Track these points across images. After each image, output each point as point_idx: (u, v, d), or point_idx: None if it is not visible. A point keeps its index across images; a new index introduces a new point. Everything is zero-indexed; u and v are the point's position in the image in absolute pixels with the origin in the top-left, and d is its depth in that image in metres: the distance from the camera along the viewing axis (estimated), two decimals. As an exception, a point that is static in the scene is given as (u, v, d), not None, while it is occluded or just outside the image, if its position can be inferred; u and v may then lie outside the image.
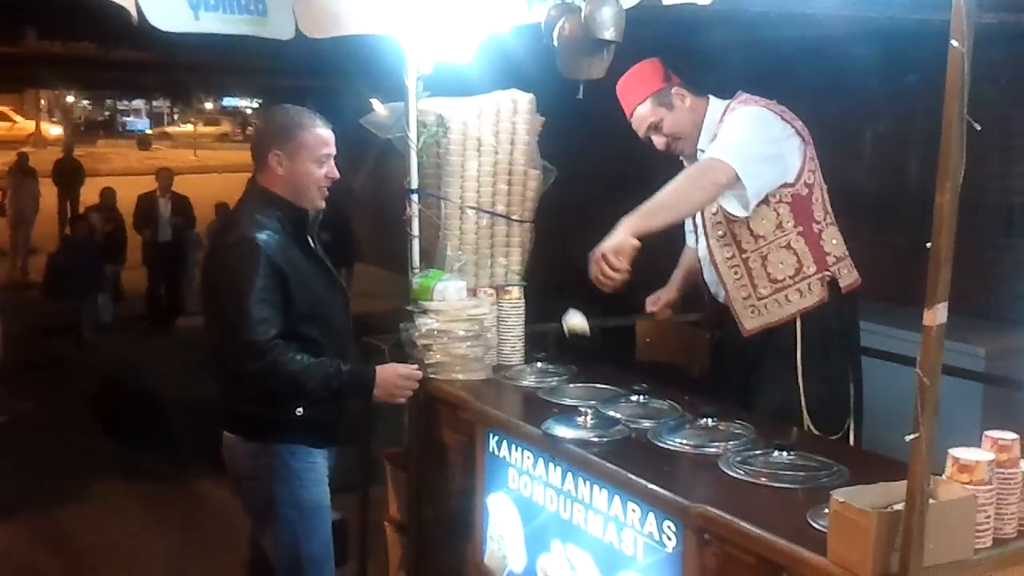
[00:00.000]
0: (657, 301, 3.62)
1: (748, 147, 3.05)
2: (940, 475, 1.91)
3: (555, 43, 3.10)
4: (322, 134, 2.99)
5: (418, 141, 3.48)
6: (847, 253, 3.23)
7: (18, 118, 34.68)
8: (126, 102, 42.35)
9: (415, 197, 3.52)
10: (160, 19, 2.89)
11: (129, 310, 10.86)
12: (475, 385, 3.24)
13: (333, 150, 3.02)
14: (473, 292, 3.47)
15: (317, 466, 3.05)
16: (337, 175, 3.04)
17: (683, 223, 3.51)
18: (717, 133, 3.17)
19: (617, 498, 2.46)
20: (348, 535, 3.33)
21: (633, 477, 2.39)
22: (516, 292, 3.54)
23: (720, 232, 3.19)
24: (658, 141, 3.30)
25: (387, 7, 3.31)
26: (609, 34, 2.95)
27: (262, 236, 2.86)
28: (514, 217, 3.58)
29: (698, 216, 3.30)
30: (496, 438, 2.96)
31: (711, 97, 3.29)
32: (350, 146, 4.18)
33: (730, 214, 3.12)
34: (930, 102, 1.82)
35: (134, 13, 2.76)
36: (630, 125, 3.35)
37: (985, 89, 1.74)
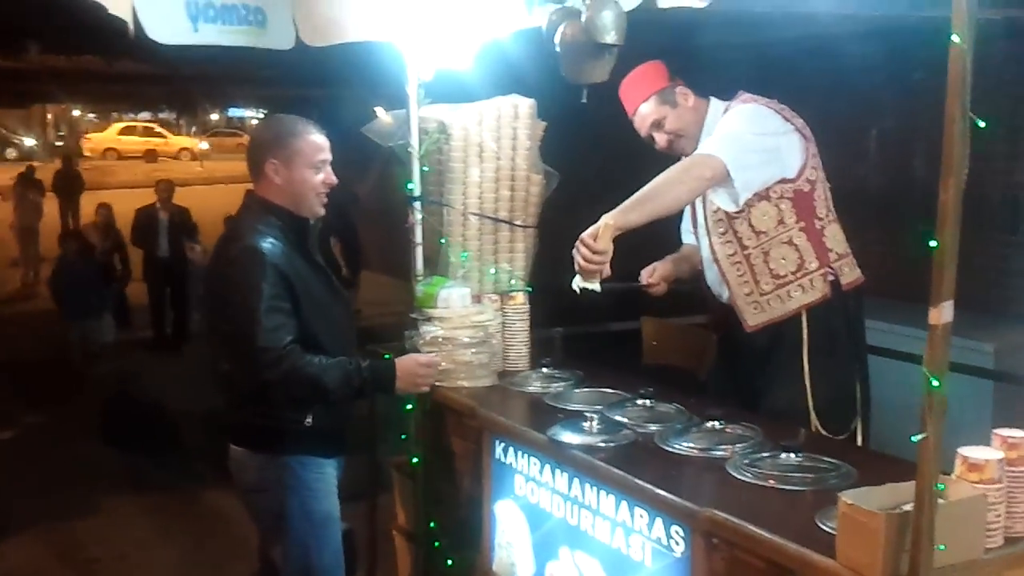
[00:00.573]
0: (652, 272, 3.50)
1: (740, 141, 3.04)
2: (950, 474, 1.89)
3: (557, 48, 3.09)
4: (316, 140, 2.99)
5: (420, 148, 3.47)
6: (849, 251, 3.22)
7: (167, 134, 37.22)
8: (132, 115, 42.49)
9: (417, 204, 3.52)
10: (158, 31, 2.89)
11: (134, 329, 10.39)
12: (481, 392, 3.23)
13: (329, 156, 3.02)
14: (477, 298, 3.46)
15: (327, 476, 3.04)
16: (335, 181, 3.03)
17: (678, 225, 3.50)
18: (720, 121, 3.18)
19: (624, 503, 2.45)
20: (355, 546, 3.32)
21: (640, 482, 2.38)
22: (520, 298, 3.53)
23: (722, 229, 3.19)
24: (660, 139, 3.29)
25: (387, 14, 3.31)
26: (611, 38, 2.94)
27: (266, 244, 2.86)
28: (517, 223, 3.58)
29: (700, 215, 3.28)
30: (503, 445, 2.95)
31: (712, 98, 3.29)
32: (354, 154, 4.18)
33: (722, 209, 3.11)
34: (934, 100, 1.81)
35: (131, 25, 2.76)
36: (632, 128, 3.34)
37: (990, 85, 1.73)
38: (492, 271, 3.56)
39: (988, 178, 5.53)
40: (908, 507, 1.77)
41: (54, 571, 4.93)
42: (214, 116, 39.47)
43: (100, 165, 31.28)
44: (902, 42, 4.99)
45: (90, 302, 9.29)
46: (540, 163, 3.59)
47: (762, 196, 3.08)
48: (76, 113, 37.37)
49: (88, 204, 12.21)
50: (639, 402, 2.90)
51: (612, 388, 3.14)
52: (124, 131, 36.71)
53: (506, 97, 3.54)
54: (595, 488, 2.55)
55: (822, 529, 1.99)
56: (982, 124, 1.66)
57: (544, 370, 3.39)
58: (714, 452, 2.52)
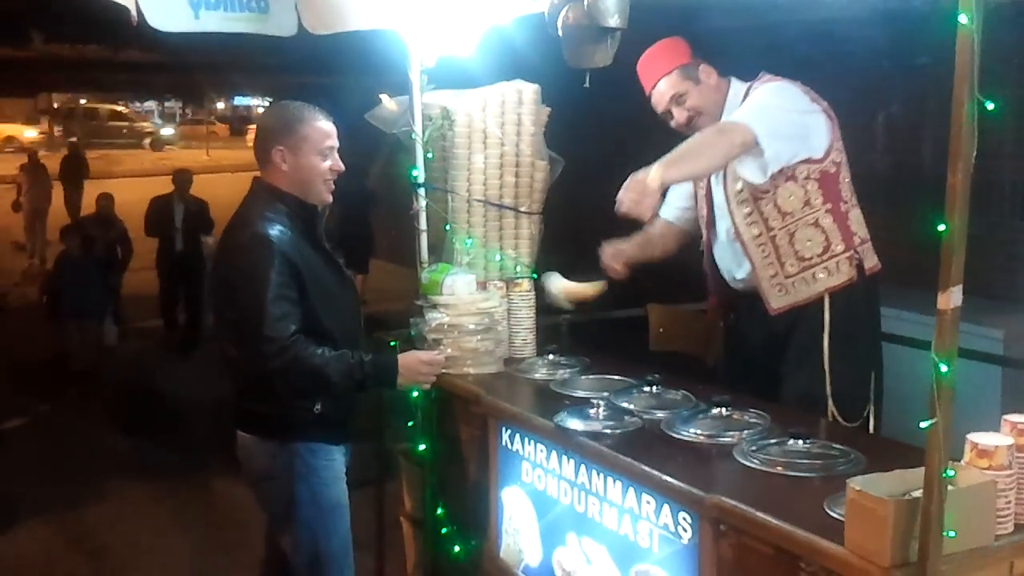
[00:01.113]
0: (617, 255, 3.42)
1: (770, 113, 3.01)
2: (959, 460, 1.88)
3: (559, 33, 3.07)
4: (323, 127, 2.98)
5: (424, 135, 3.46)
6: (869, 236, 3.21)
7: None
8: (137, 104, 42.49)
9: (422, 191, 3.50)
10: (159, 19, 2.88)
11: (138, 330, 9.75)
12: (487, 379, 3.22)
13: (336, 143, 3.01)
14: (483, 285, 3.45)
15: (335, 463, 3.04)
16: (342, 167, 3.02)
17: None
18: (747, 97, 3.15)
19: (632, 490, 2.44)
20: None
21: (647, 469, 2.37)
22: (526, 284, 3.52)
23: (747, 209, 3.14)
24: (679, 115, 3.23)
25: (389, 2, 3.29)
26: (614, 21, 2.92)
27: (274, 232, 2.85)
28: (522, 209, 3.56)
29: (718, 195, 3.23)
30: (509, 432, 2.95)
31: (733, 79, 3.25)
32: (360, 141, 4.16)
33: (748, 181, 3.06)
34: (942, 84, 1.79)
35: (134, 13, 2.75)
36: (637, 114, 3.32)
37: (999, 70, 1.70)
38: (497, 258, 3.54)
39: (996, 163, 5.49)
40: (917, 494, 1.76)
41: (64, 558, 4.95)
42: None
43: (106, 154, 31.32)
44: (910, 26, 4.94)
45: (92, 300, 8.63)
46: (544, 149, 3.57)
47: (788, 176, 3.06)
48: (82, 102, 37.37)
49: (92, 194, 12.12)
50: (646, 388, 2.89)
51: (619, 375, 3.13)
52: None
53: (510, 83, 3.52)
54: (602, 475, 2.55)
55: (830, 516, 1.99)
56: (991, 106, 1.64)
57: (550, 357, 3.38)
58: (721, 438, 2.51)
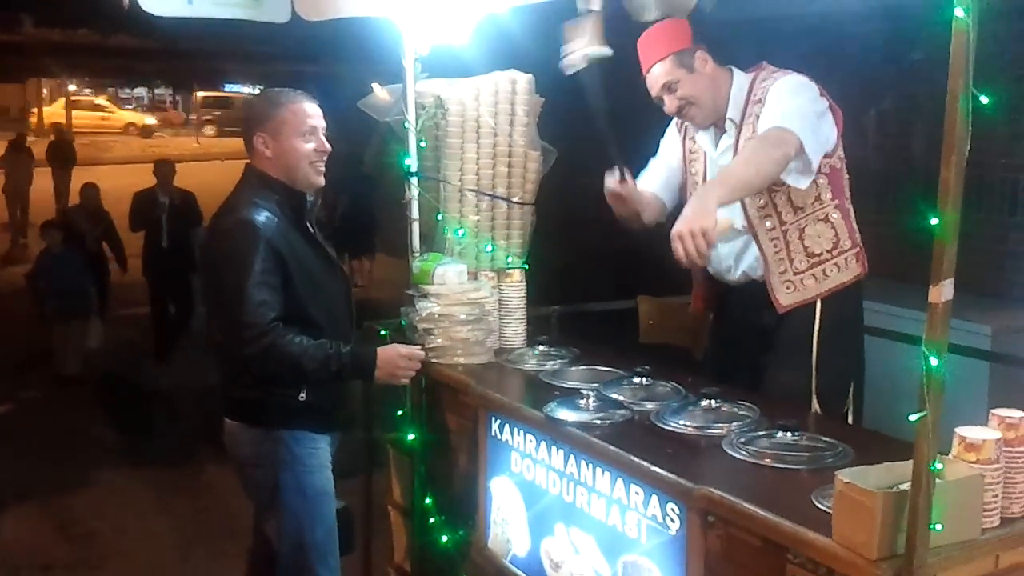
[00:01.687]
0: (624, 183, 3.25)
1: (805, 115, 2.93)
2: (946, 454, 1.89)
3: None
4: (303, 107, 2.95)
5: (417, 123, 3.45)
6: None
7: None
8: (127, 90, 42.25)
9: (414, 180, 3.49)
10: (151, 4, 2.87)
11: (128, 318, 9.20)
12: (477, 369, 3.22)
13: (320, 123, 2.98)
14: (474, 275, 3.45)
15: (320, 452, 3.04)
16: (328, 148, 2.99)
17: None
18: (756, 102, 3.04)
19: (620, 481, 2.44)
20: (353, 524, 3.32)
21: (636, 459, 2.37)
22: (517, 275, 3.51)
23: (761, 201, 3.06)
24: (670, 103, 3.14)
25: (383, -12, 3.28)
26: (596, 4, 2.88)
27: (261, 218, 2.84)
28: (514, 199, 3.56)
29: None
30: (498, 422, 2.94)
31: (735, 70, 3.15)
32: (353, 128, 4.14)
33: (790, 186, 2.99)
34: (935, 79, 1.79)
35: (125, -1, 2.74)
36: (631, 105, 3.30)
37: (991, 65, 1.70)
38: (489, 248, 3.54)
39: (988, 159, 5.51)
40: (905, 486, 1.76)
41: (52, 544, 4.94)
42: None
43: (95, 140, 31.15)
44: (905, 21, 4.96)
45: (77, 300, 8.01)
46: (538, 139, 3.57)
47: None
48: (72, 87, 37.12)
49: (80, 181, 12.08)
50: (635, 380, 2.89)
51: (608, 366, 3.13)
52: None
53: (504, 72, 3.51)
54: (591, 465, 2.55)
55: (818, 508, 1.99)
56: (985, 100, 1.64)
57: (540, 347, 3.38)
58: (710, 430, 2.51)
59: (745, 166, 2.88)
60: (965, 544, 1.84)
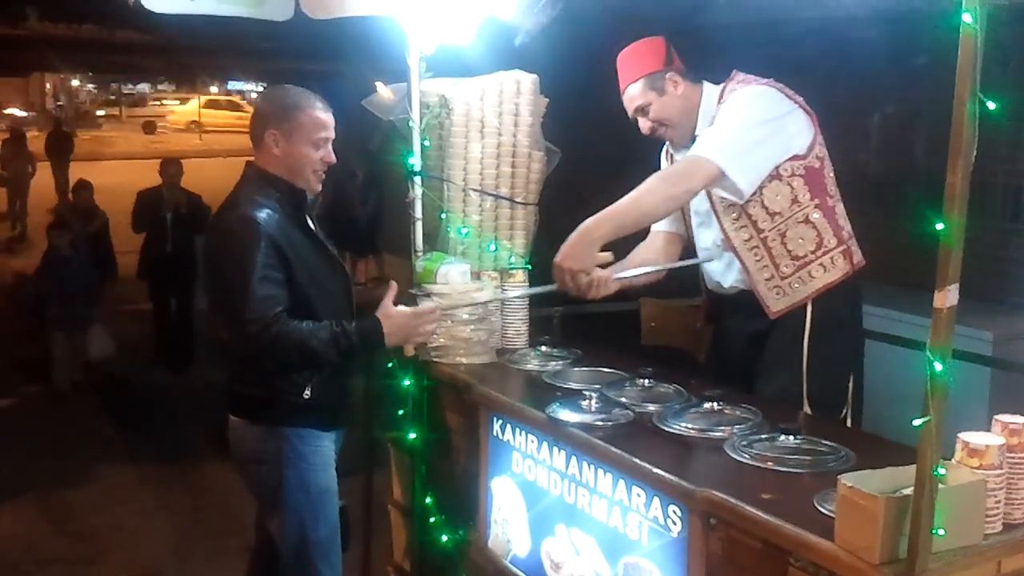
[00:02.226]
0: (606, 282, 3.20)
1: (740, 136, 2.94)
2: (949, 459, 1.89)
3: None
4: (320, 117, 2.96)
5: (421, 123, 3.45)
6: (852, 233, 3.18)
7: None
8: (130, 85, 42.31)
9: (418, 179, 3.49)
10: (154, 1, 2.87)
11: (122, 328, 8.46)
12: (479, 369, 3.22)
13: (331, 134, 2.99)
14: (477, 275, 3.45)
15: (324, 450, 3.04)
16: (334, 160, 3.01)
17: None
18: (716, 116, 3.08)
19: (622, 482, 2.44)
20: (349, 523, 3.32)
21: (638, 461, 2.37)
22: (520, 275, 3.51)
23: (734, 215, 3.08)
24: (643, 125, 3.20)
25: (390, -13, 3.27)
26: None
27: (262, 215, 2.85)
28: (518, 199, 3.56)
29: (705, 203, 3.17)
30: (500, 422, 2.94)
31: (705, 84, 3.17)
32: (356, 127, 4.15)
33: (763, 194, 3.02)
34: (938, 85, 1.79)
35: (130, -8, 2.74)
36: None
37: (994, 71, 1.71)
38: (492, 248, 3.54)
39: (990, 165, 5.51)
40: (907, 491, 1.76)
41: (51, 540, 4.94)
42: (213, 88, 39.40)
43: (97, 136, 31.19)
44: (909, 26, 4.95)
45: (80, 307, 7.57)
46: (542, 140, 3.57)
47: (773, 176, 3.00)
48: (75, 83, 37.19)
49: (80, 173, 12.09)
50: (638, 382, 2.89)
51: (611, 367, 3.13)
52: (208, 104, 36.60)
53: (509, 72, 3.51)
54: (592, 466, 2.55)
55: (820, 511, 1.99)
56: (992, 105, 1.64)
57: (542, 348, 3.38)
58: (712, 433, 2.51)
59: (632, 204, 2.91)
60: (967, 549, 1.84)
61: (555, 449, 2.70)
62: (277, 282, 2.81)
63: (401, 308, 3.05)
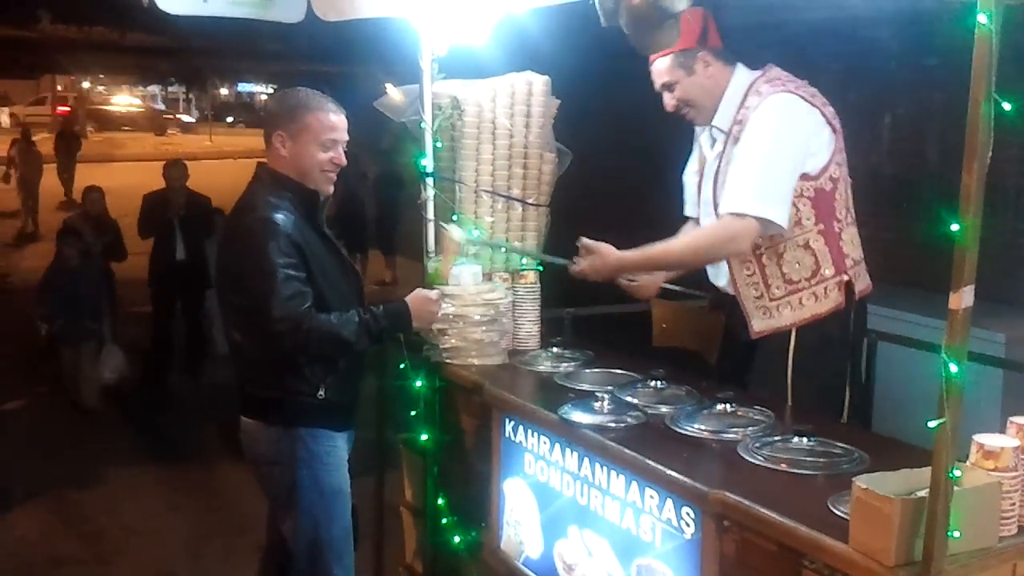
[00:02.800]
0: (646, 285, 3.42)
1: (768, 172, 2.85)
2: (963, 461, 1.88)
3: (623, 23, 2.97)
4: (329, 118, 2.96)
5: (433, 124, 3.45)
6: (862, 256, 3.04)
7: None
8: (141, 88, 42.39)
9: (430, 181, 3.50)
10: (168, 3, 2.88)
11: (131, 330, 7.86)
12: (491, 370, 3.22)
13: (342, 136, 3.00)
14: (488, 277, 3.45)
15: (338, 450, 3.05)
16: (344, 162, 3.02)
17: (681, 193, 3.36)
18: (739, 123, 2.97)
19: (635, 484, 2.44)
20: (358, 524, 3.33)
21: (651, 463, 2.37)
22: (532, 276, 3.52)
23: None
24: (668, 102, 3.11)
25: (402, -10, 3.28)
26: (681, 4, 2.86)
27: (279, 216, 2.86)
28: (529, 201, 3.56)
29: (707, 192, 3.10)
30: (512, 423, 2.95)
31: (738, 67, 3.06)
32: (365, 130, 4.16)
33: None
34: (953, 86, 1.79)
35: (144, -4, 2.76)
36: (646, 108, 3.29)
37: (1005, 72, 1.70)
38: (504, 249, 3.54)
39: (1002, 167, 5.48)
40: (922, 493, 1.76)
41: (65, 541, 4.96)
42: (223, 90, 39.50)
43: (108, 137, 31.31)
44: (922, 26, 4.94)
45: (88, 320, 7.06)
46: (553, 141, 3.57)
47: None
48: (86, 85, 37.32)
49: (94, 178, 12.10)
50: (650, 383, 2.89)
51: (622, 369, 3.13)
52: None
53: (520, 74, 3.52)
54: (605, 468, 2.55)
55: (834, 513, 1.99)
56: (1007, 106, 1.63)
57: (554, 349, 3.38)
58: (725, 435, 2.51)
59: (675, 257, 3.10)
60: (982, 552, 1.83)
61: (567, 450, 2.70)
62: (301, 280, 2.83)
63: (420, 291, 3.13)
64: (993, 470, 1.87)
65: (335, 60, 10.52)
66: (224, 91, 39.87)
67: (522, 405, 2.92)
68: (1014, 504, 1.89)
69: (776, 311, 2.99)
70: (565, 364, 3.26)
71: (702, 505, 2.21)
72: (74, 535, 5.03)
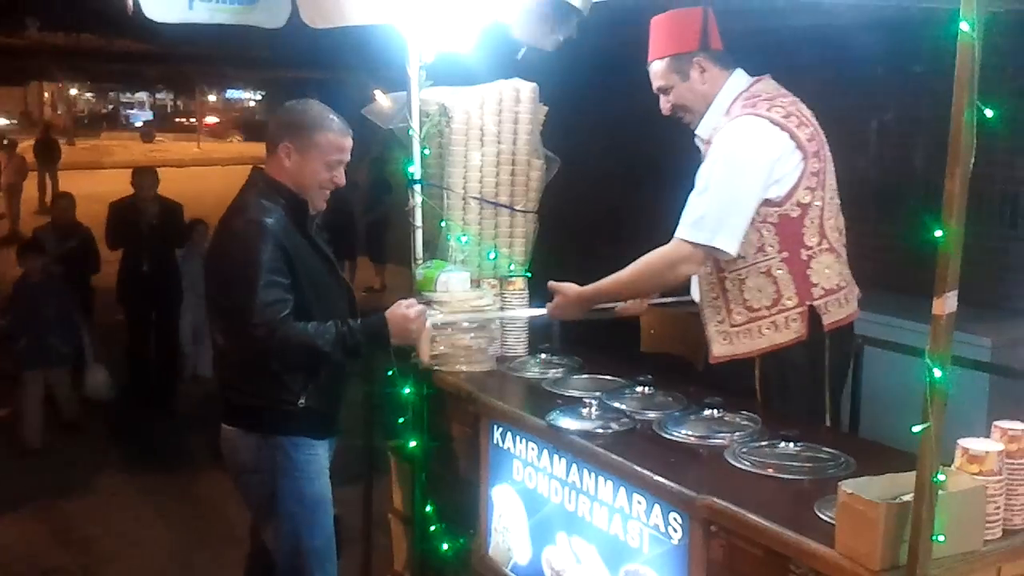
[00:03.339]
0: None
1: (723, 203, 2.78)
2: (948, 466, 1.89)
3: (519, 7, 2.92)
4: (337, 140, 2.97)
5: (421, 131, 3.46)
6: (843, 285, 2.92)
7: None
8: (129, 94, 42.35)
9: (418, 187, 3.50)
10: (154, 9, 2.88)
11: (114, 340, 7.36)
12: (479, 376, 3.22)
13: (346, 157, 3.01)
14: (477, 283, 3.45)
15: (319, 458, 3.04)
16: (343, 182, 3.03)
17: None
18: (708, 143, 2.93)
19: (623, 490, 2.45)
20: (341, 532, 3.32)
21: (639, 468, 2.38)
22: (520, 283, 3.52)
23: None
24: (663, 105, 3.08)
25: (390, -3, 3.29)
26: (578, 2, 2.83)
27: (270, 220, 2.86)
28: (517, 207, 3.56)
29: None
30: (500, 429, 2.95)
31: (735, 73, 2.99)
32: (353, 136, 4.16)
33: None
34: (938, 92, 1.80)
35: (129, 3, 2.75)
36: (634, 115, 3.30)
37: (992, 79, 1.72)
38: (492, 255, 3.55)
39: (988, 172, 5.52)
40: (907, 497, 1.77)
41: (53, 550, 4.93)
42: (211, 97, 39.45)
43: (97, 144, 31.21)
44: (907, 34, 4.97)
45: (56, 339, 6.37)
46: (541, 148, 3.58)
47: None
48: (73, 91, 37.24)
49: (79, 185, 12.04)
50: (638, 389, 2.90)
51: (611, 375, 3.14)
52: None
53: (508, 80, 3.53)
54: (593, 474, 2.55)
55: (821, 518, 2.00)
56: (990, 113, 1.65)
57: (542, 356, 3.39)
58: (713, 440, 2.52)
59: (626, 286, 3.06)
60: (967, 555, 1.85)
61: (556, 457, 2.70)
62: (283, 286, 2.82)
63: (399, 305, 3.06)
64: (978, 474, 1.88)
65: (323, 67, 10.52)
66: (212, 97, 39.81)
67: (510, 411, 2.92)
68: (999, 508, 1.91)
69: (736, 338, 2.94)
70: (553, 370, 3.27)
71: (689, 510, 2.22)
72: (62, 544, 5.00)
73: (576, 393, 2.95)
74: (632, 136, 3.41)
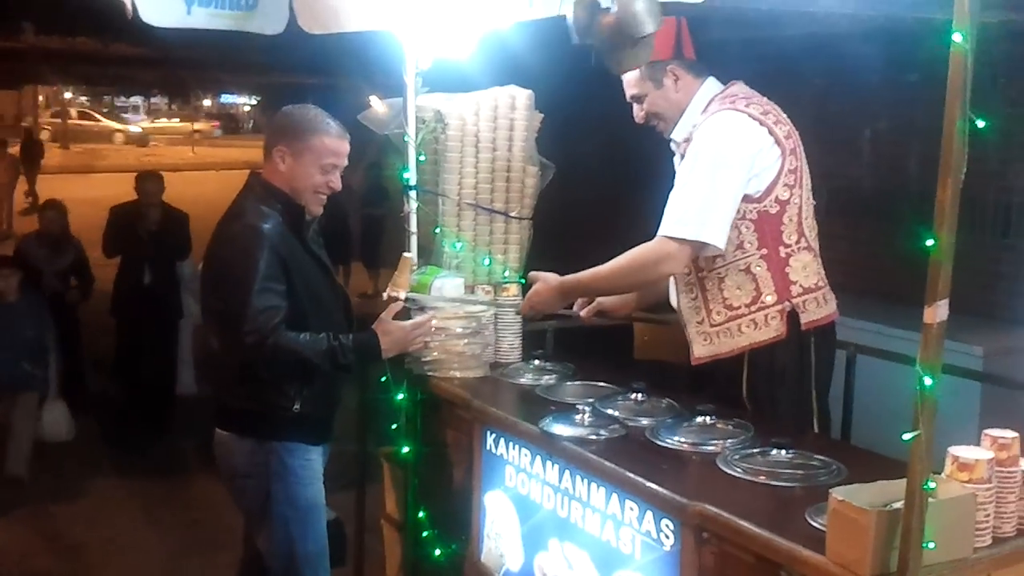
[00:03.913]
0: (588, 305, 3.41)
1: (708, 196, 2.78)
2: (939, 473, 1.90)
3: (594, 43, 2.96)
4: (332, 144, 2.97)
5: (416, 137, 3.47)
6: (822, 284, 2.94)
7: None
8: (123, 98, 42.29)
9: (413, 193, 3.51)
10: (152, 14, 2.88)
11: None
12: (473, 383, 3.22)
13: (342, 161, 3.01)
14: (471, 289, 3.46)
15: (313, 463, 3.04)
16: (339, 186, 3.03)
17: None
18: (687, 141, 2.95)
19: (615, 496, 2.45)
20: (345, 536, 3.32)
21: (631, 475, 2.38)
22: (514, 289, 3.52)
23: None
24: (637, 113, 3.11)
25: (387, 3, 3.29)
26: (649, 28, 2.84)
27: (267, 225, 2.86)
28: (512, 214, 3.57)
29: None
30: (494, 436, 2.95)
31: (708, 80, 3.02)
32: (349, 142, 4.16)
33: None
34: (931, 101, 1.81)
35: (129, 7, 2.75)
36: (630, 123, 3.31)
37: (984, 88, 1.73)
38: (486, 262, 3.56)
39: (980, 181, 5.55)
40: (898, 505, 1.78)
41: (43, 556, 4.91)
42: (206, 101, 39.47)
43: (90, 148, 31.17)
44: (901, 43, 5.00)
45: (27, 365, 5.87)
46: (536, 155, 3.59)
47: None
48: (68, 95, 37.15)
49: (76, 190, 12.06)
50: (631, 396, 2.90)
51: (604, 382, 3.14)
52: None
53: (504, 87, 3.54)
54: (586, 480, 2.56)
55: (812, 525, 2.00)
56: (981, 124, 1.66)
57: (536, 362, 3.39)
58: (705, 447, 2.52)
59: (608, 281, 3.05)
60: (957, 563, 1.86)
61: (548, 463, 2.71)
62: (278, 293, 2.82)
63: (398, 323, 3.08)
64: (968, 482, 1.89)
65: (319, 72, 10.52)
66: (207, 102, 39.78)
67: (503, 418, 2.93)
68: (988, 515, 1.92)
69: (716, 337, 2.93)
70: (547, 377, 3.27)
71: (681, 517, 2.23)
72: (53, 550, 4.98)
73: (569, 400, 2.96)
74: (628, 144, 3.42)
